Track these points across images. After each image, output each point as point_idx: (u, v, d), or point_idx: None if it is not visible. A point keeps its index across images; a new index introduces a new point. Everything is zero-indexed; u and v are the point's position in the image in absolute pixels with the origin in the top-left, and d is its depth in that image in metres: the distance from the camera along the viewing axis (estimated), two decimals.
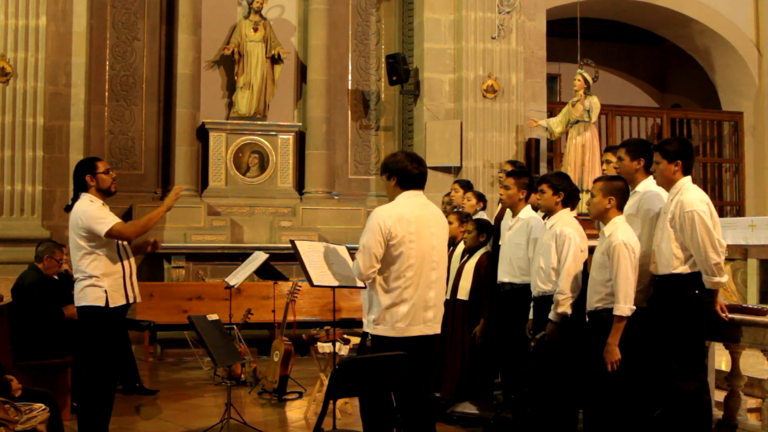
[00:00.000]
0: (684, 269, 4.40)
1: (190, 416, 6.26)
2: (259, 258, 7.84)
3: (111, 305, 4.86)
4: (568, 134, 10.07)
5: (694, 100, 14.53)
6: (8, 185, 9.21)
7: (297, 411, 6.50)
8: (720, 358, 5.65)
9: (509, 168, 6.66)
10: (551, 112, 11.16)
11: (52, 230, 9.16)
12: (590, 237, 5.13)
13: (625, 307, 4.39)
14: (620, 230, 4.52)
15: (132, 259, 5.08)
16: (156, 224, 5.23)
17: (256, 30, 10.72)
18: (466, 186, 7.40)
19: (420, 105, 10.81)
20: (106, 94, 10.53)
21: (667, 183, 4.54)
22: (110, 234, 4.83)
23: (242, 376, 7.42)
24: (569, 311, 4.85)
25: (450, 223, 6.44)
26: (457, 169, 10.39)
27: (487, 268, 5.97)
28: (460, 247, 6.41)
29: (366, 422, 4.17)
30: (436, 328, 4.17)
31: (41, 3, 9.31)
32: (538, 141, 10.80)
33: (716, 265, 4.31)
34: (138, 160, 10.64)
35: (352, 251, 4.79)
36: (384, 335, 4.04)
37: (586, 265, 4.98)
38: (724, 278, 4.39)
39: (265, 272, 8.03)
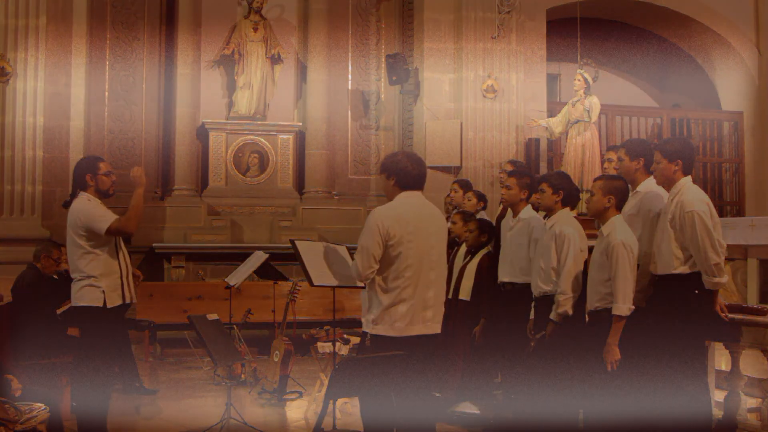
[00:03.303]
0: (684, 269, 4.41)
1: (190, 416, 6.26)
2: (259, 258, 7.84)
3: (109, 305, 4.86)
4: (568, 134, 10.07)
5: (694, 100, 14.52)
6: (8, 185, 9.22)
7: (297, 411, 6.50)
8: (720, 358, 5.66)
9: (510, 168, 6.66)
10: (551, 112, 11.16)
11: (52, 230, 9.16)
12: (590, 237, 5.14)
13: (623, 306, 4.40)
14: (618, 230, 4.52)
15: (128, 260, 5.09)
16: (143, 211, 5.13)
17: (256, 30, 10.72)
18: (466, 186, 7.40)
19: (420, 105, 10.81)
20: (106, 94, 10.53)
21: (667, 182, 4.55)
22: (110, 231, 4.83)
23: (242, 376, 7.42)
24: (570, 311, 4.85)
25: (454, 222, 6.46)
26: (457, 169, 10.39)
27: (488, 268, 5.97)
28: (464, 246, 6.40)
29: (366, 422, 4.17)
30: (435, 328, 4.17)
31: (41, 3, 9.32)
32: (538, 141, 10.80)
33: (716, 265, 4.32)
34: (138, 160, 10.61)
35: (352, 251, 4.79)
36: (383, 335, 4.04)
37: (587, 264, 4.98)
38: (724, 278, 4.39)
39: (265, 272, 8.03)
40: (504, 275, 5.68)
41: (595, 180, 4.81)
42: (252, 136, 10.80)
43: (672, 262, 4.42)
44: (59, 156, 9.61)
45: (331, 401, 4.06)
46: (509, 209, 5.82)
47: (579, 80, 9.91)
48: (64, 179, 9.23)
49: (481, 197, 7.02)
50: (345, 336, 6.51)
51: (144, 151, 10.66)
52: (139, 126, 10.67)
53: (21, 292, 6.19)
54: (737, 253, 8.86)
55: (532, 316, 5.27)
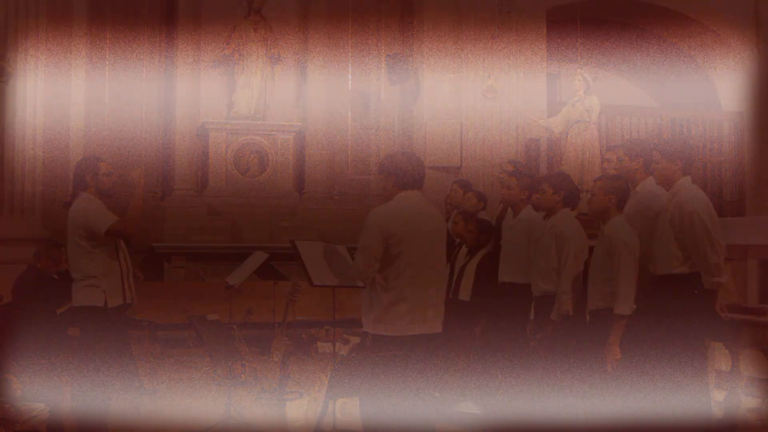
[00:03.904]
0: (683, 269, 4.41)
1: (190, 416, 6.26)
2: (259, 258, 7.84)
3: (109, 305, 4.86)
4: (568, 134, 10.06)
5: (694, 100, 14.51)
6: (8, 185, 9.20)
7: (297, 411, 6.49)
8: (720, 358, 5.66)
9: (510, 168, 6.65)
10: (551, 112, 11.15)
11: (52, 230, 9.15)
12: (591, 237, 5.14)
13: (625, 306, 4.40)
14: (620, 230, 4.52)
15: (129, 260, 5.09)
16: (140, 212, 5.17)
17: (256, 30, 10.72)
18: (466, 186, 7.40)
19: (420, 105, 10.81)
20: (106, 94, 10.53)
21: (667, 182, 4.55)
22: (109, 233, 4.83)
23: (242, 376, 7.41)
24: (571, 311, 4.85)
25: (456, 222, 6.46)
26: (457, 169, 10.38)
27: (488, 268, 5.97)
28: (466, 246, 6.40)
29: (366, 422, 4.17)
30: (436, 327, 4.17)
31: (41, 3, 9.31)
32: (538, 141, 10.79)
33: (715, 265, 4.32)
34: (138, 160, 10.59)
35: (352, 251, 4.79)
36: (384, 334, 4.05)
37: (587, 264, 4.98)
38: (724, 278, 4.39)
39: (265, 272, 8.02)
40: (504, 275, 5.68)
41: (596, 180, 4.81)
42: (252, 136, 10.80)
43: (671, 262, 4.42)
44: (59, 156, 9.61)
45: (331, 401, 4.06)
46: (509, 209, 5.82)
47: (579, 80, 9.91)
48: (64, 179, 9.23)
49: (481, 197, 7.01)
50: (345, 336, 6.51)
51: (144, 151, 10.66)
52: (139, 126, 10.67)
53: (21, 292, 6.19)
54: (737, 253, 8.85)
55: (532, 316, 5.27)
